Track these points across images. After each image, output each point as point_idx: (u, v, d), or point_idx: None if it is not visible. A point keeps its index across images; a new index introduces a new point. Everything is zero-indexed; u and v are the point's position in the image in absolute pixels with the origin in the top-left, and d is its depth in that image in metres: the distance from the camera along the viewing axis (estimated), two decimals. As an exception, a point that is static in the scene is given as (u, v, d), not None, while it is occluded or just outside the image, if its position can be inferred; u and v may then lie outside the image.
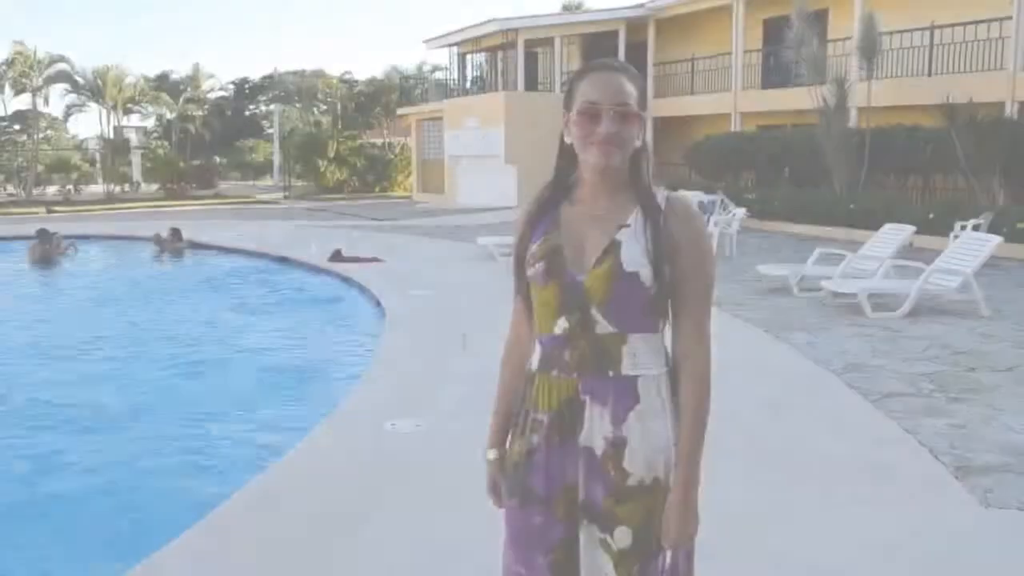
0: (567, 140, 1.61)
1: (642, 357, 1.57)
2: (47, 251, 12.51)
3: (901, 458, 3.91)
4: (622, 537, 1.57)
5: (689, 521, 1.57)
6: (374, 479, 3.66)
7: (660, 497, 1.57)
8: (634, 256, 1.53)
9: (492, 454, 1.74)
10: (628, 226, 1.56)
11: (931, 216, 12.00)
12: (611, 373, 1.56)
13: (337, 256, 11.22)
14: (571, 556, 1.62)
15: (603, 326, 1.55)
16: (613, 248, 1.54)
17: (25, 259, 12.51)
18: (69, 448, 4.73)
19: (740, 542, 2.98)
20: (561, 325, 1.57)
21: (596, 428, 1.56)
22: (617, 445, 1.56)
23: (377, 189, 30.76)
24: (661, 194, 1.61)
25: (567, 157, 1.63)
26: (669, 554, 1.60)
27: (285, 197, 28.63)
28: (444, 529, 3.14)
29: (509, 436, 1.70)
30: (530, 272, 1.58)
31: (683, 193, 1.67)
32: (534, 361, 1.64)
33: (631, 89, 1.57)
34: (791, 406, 4.74)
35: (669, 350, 1.62)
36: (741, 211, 12.72)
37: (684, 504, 1.56)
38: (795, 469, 3.75)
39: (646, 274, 1.53)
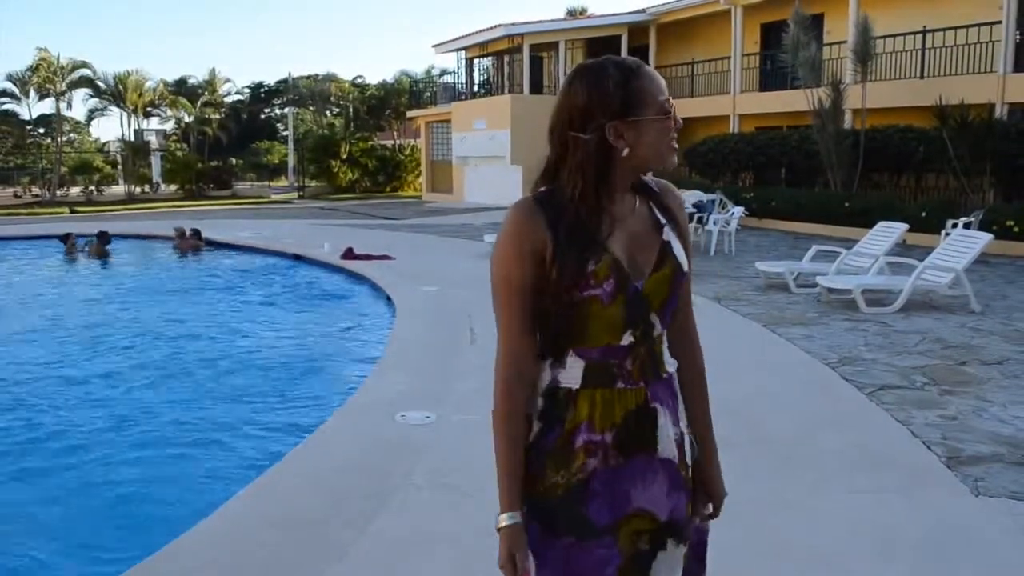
0: (624, 152, 1.42)
1: (667, 352, 1.52)
2: (103, 250, 13.42)
3: (894, 449, 3.95)
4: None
5: (723, 483, 1.63)
6: (384, 469, 3.67)
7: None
8: (680, 252, 1.50)
9: (509, 519, 1.44)
10: (664, 224, 1.50)
11: (924, 214, 12.18)
12: (664, 375, 1.50)
13: (349, 254, 11.43)
14: None
15: (657, 329, 1.48)
16: (667, 249, 1.48)
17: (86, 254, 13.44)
18: (91, 437, 4.79)
19: (738, 529, 2.99)
20: (627, 338, 1.45)
21: (667, 434, 1.47)
22: (680, 444, 1.50)
23: (388, 189, 31.24)
24: (650, 180, 1.55)
25: (602, 167, 1.44)
26: (707, 519, 1.61)
27: (299, 197, 29.22)
28: (451, 519, 3.14)
29: (542, 473, 1.46)
30: (592, 292, 1.41)
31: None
32: (569, 376, 1.45)
33: None
34: (788, 398, 4.78)
35: None
36: (739, 210, 12.82)
37: (718, 468, 1.61)
38: (791, 459, 3.78)
39: (687, 267, 1.51)
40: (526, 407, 1.47)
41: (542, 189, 1.49)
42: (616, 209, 1.46)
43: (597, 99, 1.42)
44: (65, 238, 13.77)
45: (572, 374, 1.45)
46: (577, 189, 1.43)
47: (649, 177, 1.54)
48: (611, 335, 1.44)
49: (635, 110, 1.42)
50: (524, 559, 1.43)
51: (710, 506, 1.61)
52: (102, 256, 13.27)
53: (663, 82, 1.47)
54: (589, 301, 1.42)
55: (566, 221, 1.43)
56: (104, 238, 13.59)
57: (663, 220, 1.50)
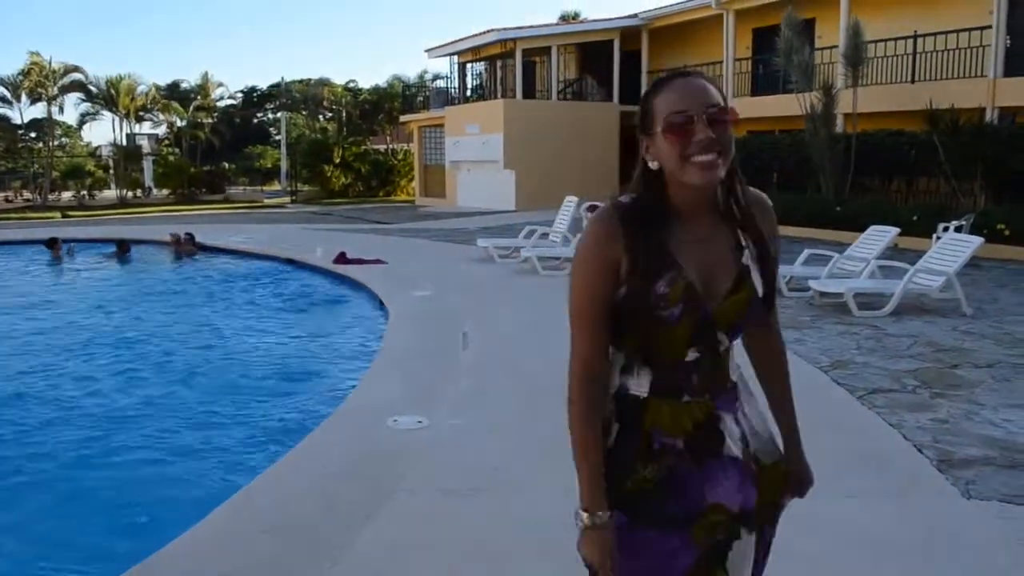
0: (652, 166, 1.45)
1: (734, 360, 1.58)
2: (124, 254, 13.69)
3: (886, 452, 3.96)
4: (769, 529, 1.63)
5: (811, 470, 1.75)
6: (377, 474, 3.67)
7: (774, 474, 1.61)
8: (757, 278, 1.50)
9: (603, 517, 1.46)
10: (746, 248, 1.49)
11: (915, 218, 12.18)
12: (728, 385, 1.55)
13: (342, 258, 11.43)
14: None
15: (723, 345, 1.52)
16: (745, 275, 1.48)
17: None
18: (78, 441, 4.78)
19: None
20: (692, 355, 1.49)
21: (735, 437, 1.53)
22: (745, 440, 1.55)
23: (381, 194, 31.29)
24: (747, 194, 1.53)
25: (652, 184, 1.46)
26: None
27: (292, 202, 29.21)
28: (444, 524, 3.14)
29: (621, 469, 1.51)
30: (663, 314, 1.44)
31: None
32: (639, 385, 1.50)
33: (715, 91, 1.43)
34: None
35: None
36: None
37: (804, 458, 1.73)
38: None
39: (771, 295, 1.53)
40: (603, 404, 1.51)
41: (623, 197, 1.50)
42: (694, 227, 1.47)
43: (639, 113, 1.49)
44: (51, 243, 13.71)
45: (641, 383, 1.50)
46: (641, 201, 1.47)
47: (749, 191, 1.53)
48: (678, 351, 1.48)
49: (650, 124, 1.44)
50: (616, 554, 1.48)
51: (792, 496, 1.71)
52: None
53: (700, 90, 1.42)
54: (658, 320, 1.45)
55: (641, 237, 1.44)
56: (123, 247, 13.88)
57: (744, 243, 1.50)
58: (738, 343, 1.62)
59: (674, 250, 1.45)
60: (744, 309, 1.49)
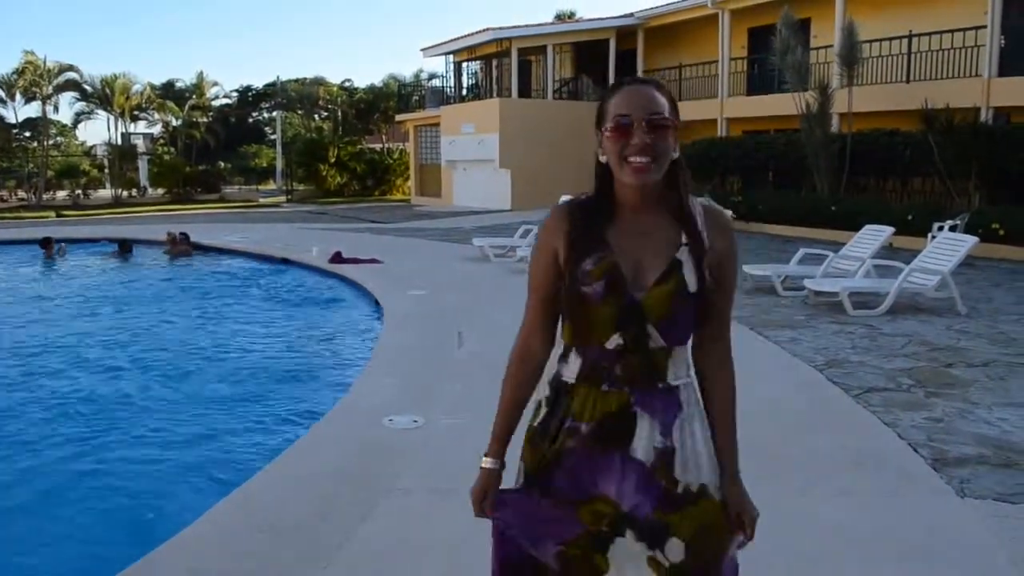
0: (602, 159, 1.57)
1: (680, 367, 1.59)
2: (126, 254, 13.87)
3: (881, 450, 3.97)
4: (673, 551, 1.55)
5: (753, 506, 1.63)
6: (372, 474, 3.66)
7: (711, 508, 1.58)
8: (691, 274, 1.54)
9: (489, 463, 1.69)
10: (685, 245, 1.55)
11: (910, 217, 12.22)
12: (660, 385, 1.56)
13: (337, 258, 11.43)
14: (587, 559, 1.59)
15: (655, 340, 1.54)
16: (675, 268, 1.53)
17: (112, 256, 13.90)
18: (80, 442, 4.78)
19: None
20: (615, 340, 1.54)
21: (647, 439, 1.55)
22: (667, 455, 1.55)
23: (376, 193, 31.24)
24: (698, 205, 1.60)
25: (603, 177, 1.59)
26: (742, 544, 1.64)
27: (287, 201, 29.18)
28: (439, 524, 3.13)
29: (530, 443, 1.65)
30: (585, 290, 1.53)
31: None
32: (569, 371, 1.60)
33: (662, 99, 1.54)
34: (775, 400, 4.77)
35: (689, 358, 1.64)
36: (727, 213, 12.99)
37: (744, 492, 1.63)
38: (778, 460, 3.78)
39: (700, 292, 1.55)
40: (532, 379, 1.67)
41: (582, 194, 1.63)
42: (636, 220, 1.57)
43: (597, 111, 1.60)
44: (45, 243, 13.68)
45: (571, 369, 1.60)
46: (593, 196, 1.60)
47: (699, 203, 1.61)
48: (601, 336, 1.55)
49: (602, 123, 1.57)
50: (492, 497, 1.67)
51: (741, 536, 1.64)
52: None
53: (645, 98, 1.53)
54: (584, 298, 1.54)
55: (582, 226, 1.57)
56: (125, 246, 13.91)
57: (685, 242, 1.56)
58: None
59: (610, 237, 1.56)
60: (671, 301, 1.53)
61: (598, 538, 1.58)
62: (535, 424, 1.65)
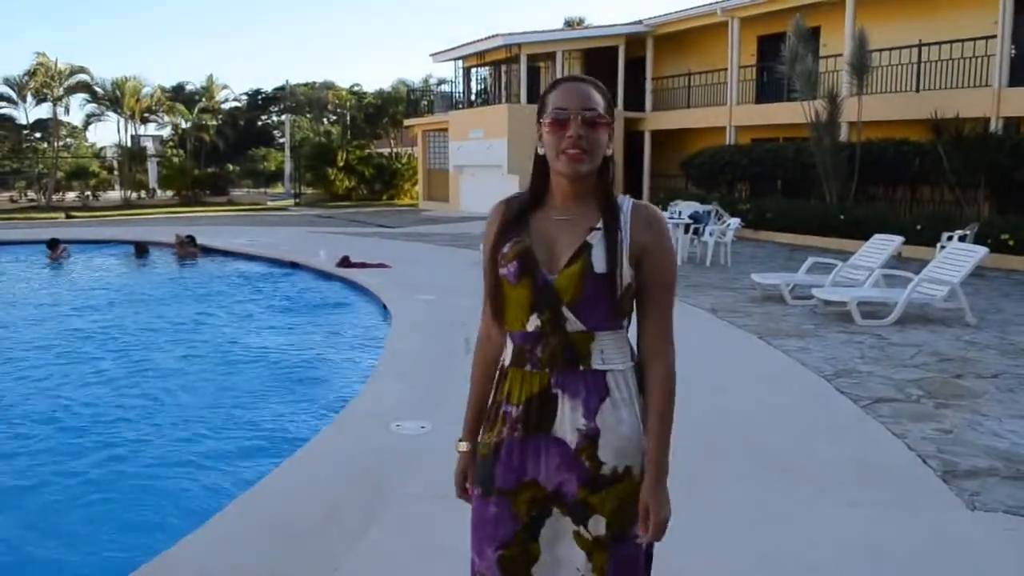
0: (540, 151, 1.65)
1: (609, 353, 1.61)
2: (142, 255, 13.97)
3: (890, 462, 3.95)
4: (596, 526, 1.60)
5: (663, 505, 1.60)
6: (379, 479, 3.66)
7: (631, 486, 1.61)
8: (603, 258, 1.58)
9: (464, 446, 1.79)
10: (599, 229, 1.60)
11: (919, 227, 12.24)
12: (581, 368, 1.60)
13: (345, 262, 11.43)
14: (524, 553, 1.63)
15: (573, 324, 1.59)
16: (584, 250, 1.58)
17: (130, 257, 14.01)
18: (81, 444, 4.79)
19: (733, 539, 3.08)
20: (533, 322, 1.61)
21: (569, 420, 1.60)
22: (591, 436, 1.59)
23: (384, 197, 31.32)
24: (627, 201, 1.65)
25: (541, 169, 1.67)
26: (642, 540, 1.63)
27: (296, 204, 29.26)
28: (447, 529, 3.16)
29: (481, 429, 1.74)
30: (502, 272, 1.63)
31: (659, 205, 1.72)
32: (506, 357, 1.68)
33: (598, 97, 1.62)
34: (784, 410, 4.77)
35: (634, 346, 1.67)
36: (735, 221, 12.85)
37: (657, 490, 1.60)
38: (787, 471, 3.77)
39: (611, 274, 1.58)
40: (491, 367, 1.75)
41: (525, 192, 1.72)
42: (563, 209, 1.65)
43: (538, 105, 1.68)
44: (52, 244, 13.75)
45: (507, 355, 1.68)
46: (530, 186, 1.69)
47: (629, 199, 1.67)
48: (522, 318, 1.63)
49: (541, 114, 1.65)
50: (471, 476, 1.77)
51: (642, 529, 1.62)
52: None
53: (582, 95, 1.61)
54: (502, 281, 1.64)
55: (510, 215, 1.68)
56: (142, 248, 14.00)
57: (599, 227, 1.61)
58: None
59: (532, 224, 1.65)
60: (580, 282, 1.58)
61: (530, 528, 1.64)
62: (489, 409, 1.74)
